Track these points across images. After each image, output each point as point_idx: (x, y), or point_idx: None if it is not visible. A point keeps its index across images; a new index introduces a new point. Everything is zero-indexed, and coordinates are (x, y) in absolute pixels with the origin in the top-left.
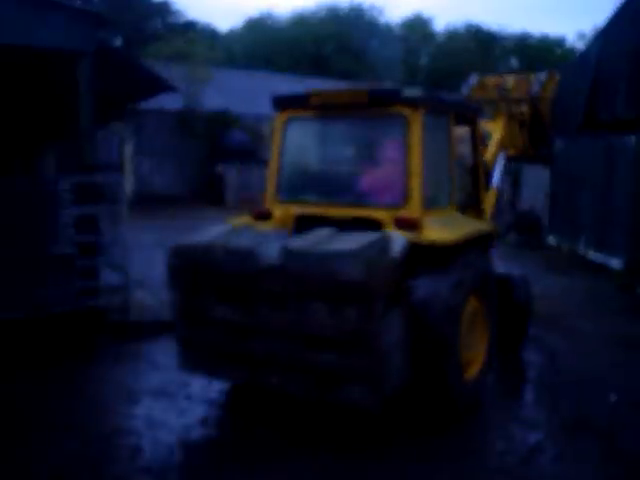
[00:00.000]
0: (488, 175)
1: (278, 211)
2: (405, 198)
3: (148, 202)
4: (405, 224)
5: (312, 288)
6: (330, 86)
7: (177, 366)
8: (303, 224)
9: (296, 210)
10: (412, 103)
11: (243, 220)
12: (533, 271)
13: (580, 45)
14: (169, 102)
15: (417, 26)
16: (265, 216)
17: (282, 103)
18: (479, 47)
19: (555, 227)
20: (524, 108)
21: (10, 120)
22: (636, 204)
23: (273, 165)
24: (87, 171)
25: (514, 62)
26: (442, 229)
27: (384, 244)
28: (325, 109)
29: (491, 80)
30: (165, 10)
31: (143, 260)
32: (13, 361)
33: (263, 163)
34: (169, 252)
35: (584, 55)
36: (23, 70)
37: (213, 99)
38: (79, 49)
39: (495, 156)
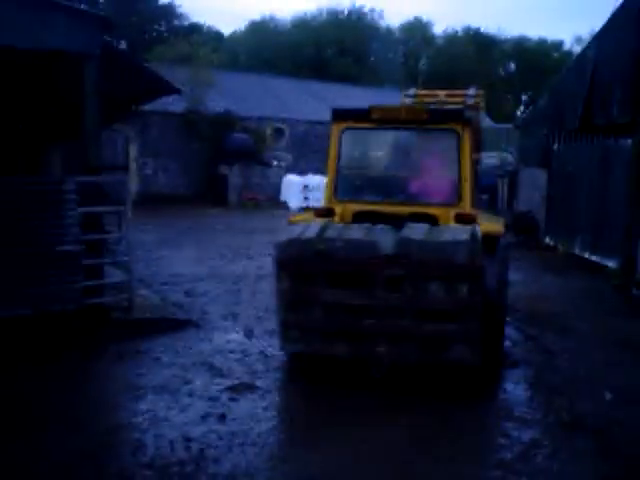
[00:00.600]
0: None
1: (338, 209)
2: (459, 198)
3: (152, 202)
4: (465, 219)
5: (431, 271)
6: (331, 89)
7: (280, 347)
8: (361, 220)
9: (355, 208)
10: (465, 121)
11: (305, 217)
12: (530, 271)
13: (577, 49)
14: (173, 104)
15: (417, 30)
16: (328, 213)
17: (342, 115)
18: (478, 51)
19: (552, 228)
20: None
21: (16, 121)
22: (631, 205)
23: (331, 169)
24: (92, 171)
25: (512, 66)
26: (489, 223)
27: (475, 234)
28: (383, 122)
29: (424, 93)
30: (170, 13)
31: (147, 259)
32: (17, 358)
33: (264, 164)
34: (280, 246)
35: (580, 59)
36: (29, 71)
37: (216, 101)
38: (85, 51)
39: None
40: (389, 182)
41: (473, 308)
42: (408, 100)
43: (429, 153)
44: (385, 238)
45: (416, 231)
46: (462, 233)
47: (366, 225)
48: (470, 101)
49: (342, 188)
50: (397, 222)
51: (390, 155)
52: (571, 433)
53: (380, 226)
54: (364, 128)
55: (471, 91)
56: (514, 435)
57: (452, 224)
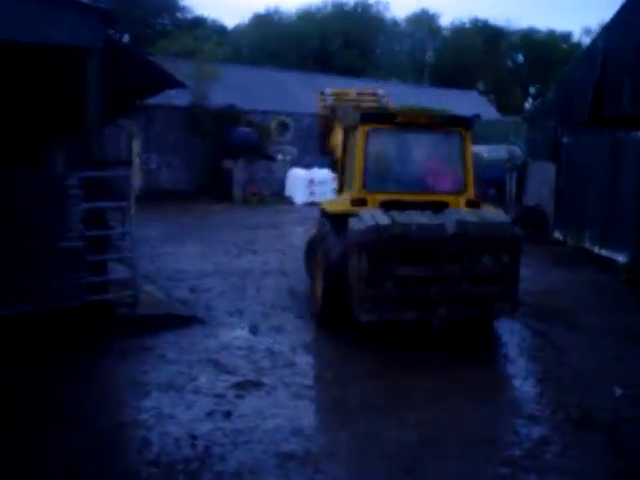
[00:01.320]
0: None
1: (369, 198)
2: (465, 187)
3: (156, 197)
4: (473, 204)
5: (484, 246)
6: (336, 82)
7: (355, 318)
8: (386, 207)
9: (381, 197)
10: (467, 125)
11: (343, 206)
12: (538, 266)
13: (586, 40)
14: (177, 98)
15: (423, 22)
16: (362, 203)
17: (369, 118)
18: (485, 42)
19: (561, 222)
20: None
21: (19, 116)
22: None
23: (359, 165)
24: (96, 167)
25: (520, 57)
26: (486, 206)
27: (507, 217)
28: (404, 125)
29: (339, 92)
30: (173, 7)
31: (151, 255)
32: (21, 354)
33: (269, 158)
34: (360, 232)
35: (590, 50)
36: (31, 66)
37: (220, 95)
38: (87, 45)
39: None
40: (408, 175)
41: (513, 273)
42: (329, 98)
43: (441, 151)
44: (446, 221)
45: (466, 214)
46: (501, 216)
47: (423, 212)
48: (383, 100)
49: (369, 181)
50: (418, 208)
51: (409, 152)
52: (581, 430)
53: (428, 212)
54: (388, 130)
55: (380, 91)
56: (523, 432)
57: (485, 208)
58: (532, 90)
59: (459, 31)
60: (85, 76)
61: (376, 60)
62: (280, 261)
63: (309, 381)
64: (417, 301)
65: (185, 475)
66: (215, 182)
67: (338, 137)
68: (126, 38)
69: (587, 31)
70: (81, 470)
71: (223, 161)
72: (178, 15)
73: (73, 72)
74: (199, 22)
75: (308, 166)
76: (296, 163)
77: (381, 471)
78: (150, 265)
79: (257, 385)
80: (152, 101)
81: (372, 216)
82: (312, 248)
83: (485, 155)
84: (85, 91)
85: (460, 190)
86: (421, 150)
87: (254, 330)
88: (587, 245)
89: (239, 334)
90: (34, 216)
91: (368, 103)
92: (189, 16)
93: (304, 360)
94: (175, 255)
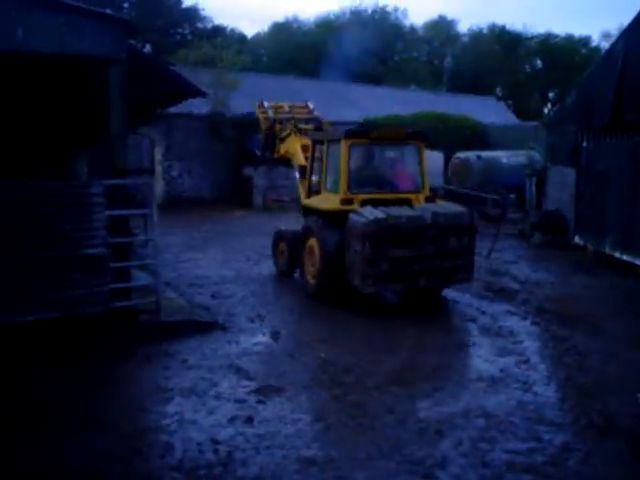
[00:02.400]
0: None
1: (353, 198)
2: (422, 187)
3: (177, 205)
4: (430, 199)
5: (450, 231)
6: (355, 89)
7: (359, 289)
8: (365, 204)
9: (362, 197)
10: (423, 139)
11: (334, 205)
12: (559, 271)
13: (605, 45)
14: (197, 107)
15: (441, 28)
16: (349, 202)
17: (351, 134)
18: (503, 48)
19: (581, 227)
20: (309, 125)
21: (43, 125)
22: None
23: (344, 172)
24: (119, 175)
25: (538, 63)
26: (439, 200)
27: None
28: (377, 139)
29: (274, 105)
30: (193, 16)
31: (173, 261)
32: (46, 360)
33: (289, 165)
34: (365, 224)
35: (609, 54)
36: (55, 76)
37: (240, 103)
38: (110, 56)
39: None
40: (381, 179)
41: (470, 250)
42: (270, 111)
43: (404, 159)
44: (423, 213)
45: (434, 207)
46: (459, 207)
47: (402, 206)
48: (315, 112)
49: (352, 184)
50: (389, 204)
51: (380, 161)
52: (603, 436)
53: (406, 206)
54: (364, 144)
55: (311, 105)
56: (545, 438)
57: (440, 202)
58: (551, 95)
59: (477, 37)
60: (108, 85)
61: (395, 67)
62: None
63: (329, 385)
64: (404, 275)
65: None
66: (236, 189)
67: (295, 146)
68: (147, 48)
69: (606, 35)
70: (105, 474)
71: (243, 168)
72: (198, 25)
73: (96, 81)
74: (219, 31)
75: None
76: None
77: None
78: (172, 272)
79: (278, 390)
80: (173, 110)
81: (370, 212)
82: (278, 239)
83: (504, 161)
84: (108, 100)
85: (419, 189)
86: (389, 159)
87: (275, 336)
88: (608, 250)
89: (260, 340)
90: (58, 223)
91: (301, 115)
92: (209, 25)
93: (324, 366)
94: (196, 262)
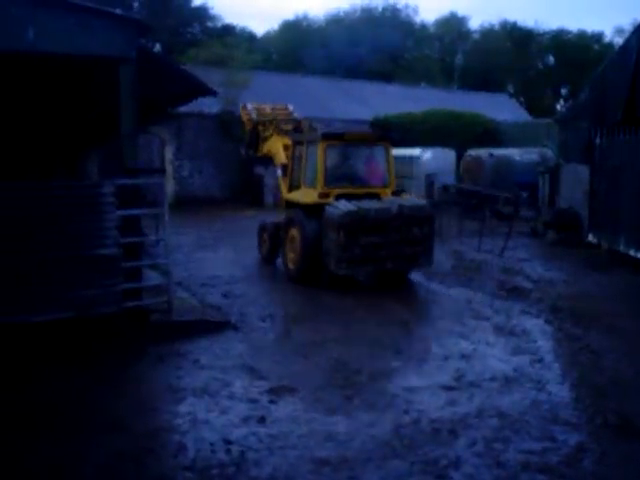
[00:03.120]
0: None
1: (329, 192)
2: (389, 182)
3: (188, 204)
4: (397, 194)
5: (413, 221)
6: (366, 87)
7: (334, 272)
8: (340, 198)
9: (337, 191)
10: (390, 141)
11: (312, 198)
12: (573, 269)
13: (619, 40)
14: (208, 106)
15: (452, 25)
16: (326, 196)
17: (327, 137)
18: (515, 45)
19: (595, 225)
20: (289, 125)
21: (54, 125)
22: None
23: (321, 170)
24: (130, 175)
25: (551, 59)
26: (403, 194)
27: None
28: (350, 141)
29: (257, 107)
30: (203, 15)
31: (184, 261)
32: (59, 360)
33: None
34: (339, 216)
35: (622, 50)
36: (66, 76)
37: (251, 102)
38: (121, 55)
39: (283, 156)
40: (353, 175)
41: (430, 237)
42: (253, 113)
43: (373, 158)
44: (390, 205)
45: (399, 200)
46: (421, 200)
47: (371, 200)
48: (294, 114)
49: (328, 181)
50: (360, 198)
51: (353, 160)
52: (618, 436)
53: (374, 200)
54: (339, 145)
55: (290, 107)
56: (560, 438)
57: (405, 196)
58: (563, 92)
59: (488, 34)
60: (119, 85)
61: (406, 64)
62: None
63: (342, 385)
64: (373, 259)
65: None
66: (246, 188)
67: (277, 146)
68: (158, 47)
69: (619, 31)
70: (117, 474)
71: (254, 167)
72: (208, 24)
73: (107, 81)
74: (229, 30)
75: None
76: None
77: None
78: (183, 271)
79: (291, 390)
80: (183, 109)
81: (344, 204)
82: (262, 230)
83: (517, 158)
84: (118, 100)
85: (387, 184)
86: (360, 158)
87: (287, 335)
88: (622, 248)
89: (272, 339)
90: (70, 224)
91: (282, 116)
92: (219, 24)
93: (336, 365)
94: (208, 261)
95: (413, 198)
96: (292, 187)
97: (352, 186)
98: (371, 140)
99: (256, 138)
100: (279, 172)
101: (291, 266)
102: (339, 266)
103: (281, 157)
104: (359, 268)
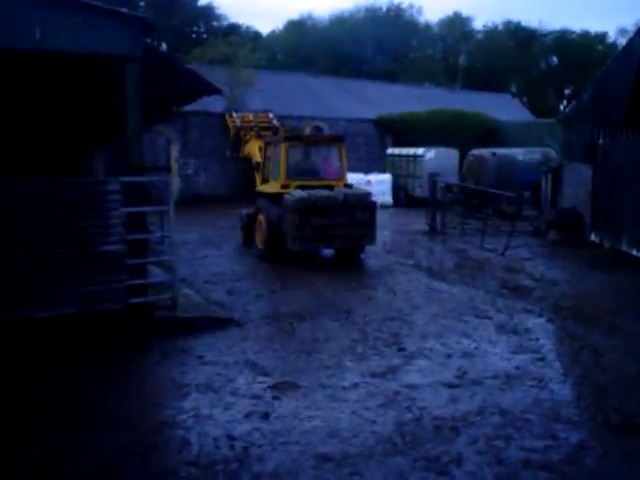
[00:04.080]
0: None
1: (290, 184)
2: (342, 176)
3: (193, 202)
4: (348, 186)
5: (356, 207)
6: (370, 87)
7: (291, 249)
8: (299, 188)
9: (296, 183)
10: (341, 140)
11: (275, 189)
12: (575, 269)
13: (622, 41)
14: (213, 105)
15: (456, 25)
16: (287, 187)
17: (289, 138)
18: (518, 45)
19: (597, 224)
20: (269, 131)
21: (61, 123)
22: None
23: (283, 165)
24: (135, 172)
25: (554, 59)
26: (354, 186)
27: (368, 190)
28: (309, 141)
29: (241, 115)
30: (209, 14)
31: (189, 258)
32: (64, 355)
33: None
34: (293, 201)
35: (626, 51)
36: (72, 75)
37: (256, 101)
38: (127, 54)
39: (259, 155)
40: (310, 170)
41: (372, 221)
42: (237, 120)
43: (328, 156)
44: (337, 194)
45: (346, 190)
46: (365, 190)
47: (322, 190)
48: (274, 121)
49: (289, 174)
50: (317, 189)
51: (311, 157)
52: (620, 434)
53: (326, 189)
54: (298, 144)
55: (271, 115)
56: (561, 436)
57: (354, 187)
58: (566, 92)
59: (492, 34)
60: (125, 84)
61: (409, 64)
62: (315, 263)
63: (346, 383)
64: (323, 238)
65: (224, 475)
66: (251, 186)
67: (254, 148)
68: (163, 46)
69: (623, 31)
70: (122, 469)
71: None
72: (213, 23)
73: (113, 80)
74: (234, 29)
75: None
76: None
77: None
78: (188, 268)
79: (294, 386)
80: (189, 108)
81: (298, 193)
82: (240, 219)
83: (520, 158)
84: (124, 98)
85: (339, 178)
86: (317, 156)
87: (290, 332)
88: (624, 248)
89: (276, 336)
90: (76, 220)
91: (262, 123)
92: (224, 23)
93: (339, 362)
94: (212, 258)
95: (359, 189)
96: (263, 181)
97: (309, 179)
98: (326, 141)
99: (239, 142)
100: (255, 168)
101: (260, 246)
102: (294, 244)
103: (257, 156)
104: (311, 245)
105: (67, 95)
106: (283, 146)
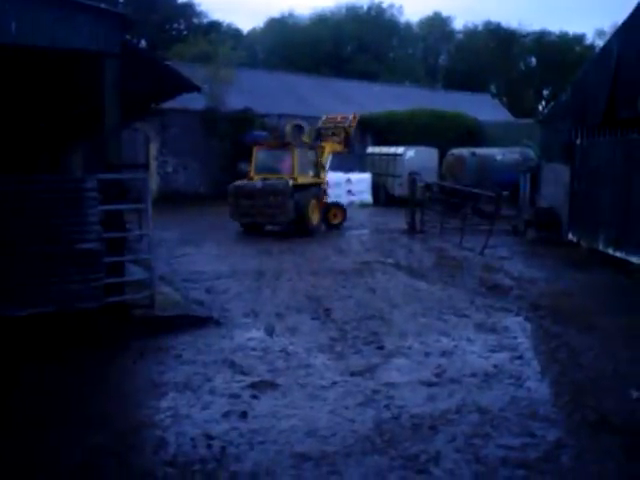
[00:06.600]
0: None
1: (255, 177)
2: (293, 172)
3: (172, 200)
4: (296, 180)
5: (270, 192)
6: (350, 86)
7: (230, 217)
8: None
9: (260, 176)
10: (293, 146)
11: (243, 180)
12: (552, 268)
13: (600, 43)
14: (193, 102)
15: (436, 25)
16: (251, 179)
17: (258, 142)
18: (498, 45)
19: (575, 224)
20: (341, 131)
21: (38, 120)
22: None
23: (253, 164)
24: (113, 169)
25: (533, 60)
26: (304, 178)
27: (288, 182)
28: (271, 145)
29: (328, 117)
30: (189, 11)
31: (168, 256)
32: (40, 355)
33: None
34: (233, 187)
35: (603, 52)
36: (50, 71)
37: (236, 99)
38: (104, 50)
39: (327, 156)
40: (271, 167)
41: (284, 204)
42: (320, 123)
43: (284, 156)
44: (259, 184)
45: (269, 181)
46: (281, 181)
47: (260, 180)
48: (348, 122)
49: (256, 170)
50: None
51: (272, 158)
52: (597, 432)
53: (266, 178)
54: (265, 148)
55: (350, 115)
56: (539, 434)
57: (282, 180)
58: (545, 93)
59: (472, 34)
60: (103, 80)
61: (390, 64)
62: (295, 263)
63: (324, 382)
64: (249, 215)
65: (201, 475)
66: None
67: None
68: (143, 43)
69: (600, 33)
70: (98, 469)
71: (239, 164)
72: (194, 20)
73: (90, 76)
74: (214, 26)
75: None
76: None
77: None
78: (167, 267)
79: (272, 386)
80: (168, 105)
81: (240, 182)
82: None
83: (499, 158)
84: (103, 95)
85: (292, 174)
86: (276, 156)
87: (269, 331)
88: (601, 247)
89: (254, 335)
90: (52, 218)
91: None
92: (205, 21)
93: (317, 360)
94: (191, 257)
95: (277, 179)
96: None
97: (269, 173)
98: (281, 146)
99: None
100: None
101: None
102: (232, 217)
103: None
104: (242, 220)
105: (45, 91)
106: (254, 149)
